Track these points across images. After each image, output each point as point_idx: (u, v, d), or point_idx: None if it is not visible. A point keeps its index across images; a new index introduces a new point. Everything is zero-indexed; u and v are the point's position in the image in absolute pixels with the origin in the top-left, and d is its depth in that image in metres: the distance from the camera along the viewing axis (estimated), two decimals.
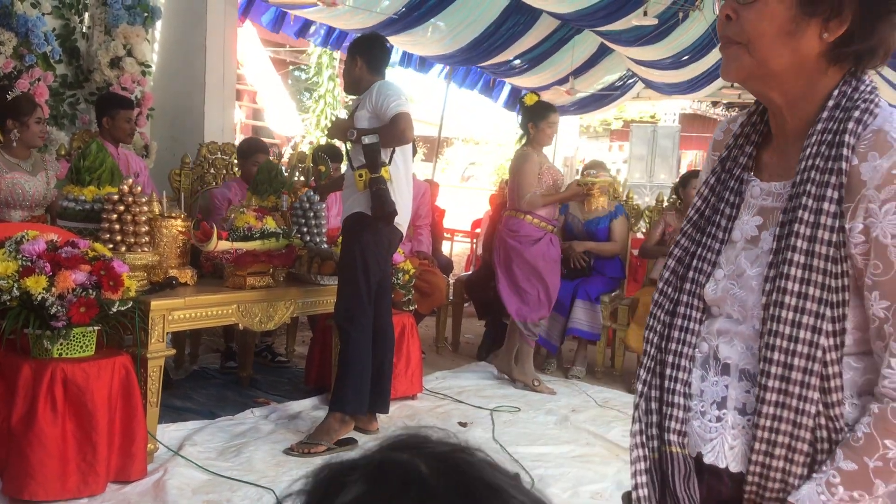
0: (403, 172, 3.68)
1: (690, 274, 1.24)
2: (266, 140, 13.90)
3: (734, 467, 1.16)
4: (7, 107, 3.89)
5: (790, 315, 1.09)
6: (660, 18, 6.73)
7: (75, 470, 2.74)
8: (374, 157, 3.44)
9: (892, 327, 1.05)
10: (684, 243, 1.27)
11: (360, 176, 3.44)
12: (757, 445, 1.12)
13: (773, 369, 1.10)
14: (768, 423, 1.11)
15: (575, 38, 8.33)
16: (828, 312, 1.08)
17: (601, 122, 21.03)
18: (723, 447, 1.17)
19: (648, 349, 1.27)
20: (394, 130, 3.43)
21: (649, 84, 9.37)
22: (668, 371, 1.23)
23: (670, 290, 1.26)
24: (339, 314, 3.61)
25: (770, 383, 1.11)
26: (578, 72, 8.85)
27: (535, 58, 8.57)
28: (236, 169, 5.08)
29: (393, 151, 3.57)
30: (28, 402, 2.71)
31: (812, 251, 1.09)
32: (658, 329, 1.26)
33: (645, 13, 6.38)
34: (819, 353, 1.08)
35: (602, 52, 8.70)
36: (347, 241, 3.60)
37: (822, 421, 1.09)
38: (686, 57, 8.05)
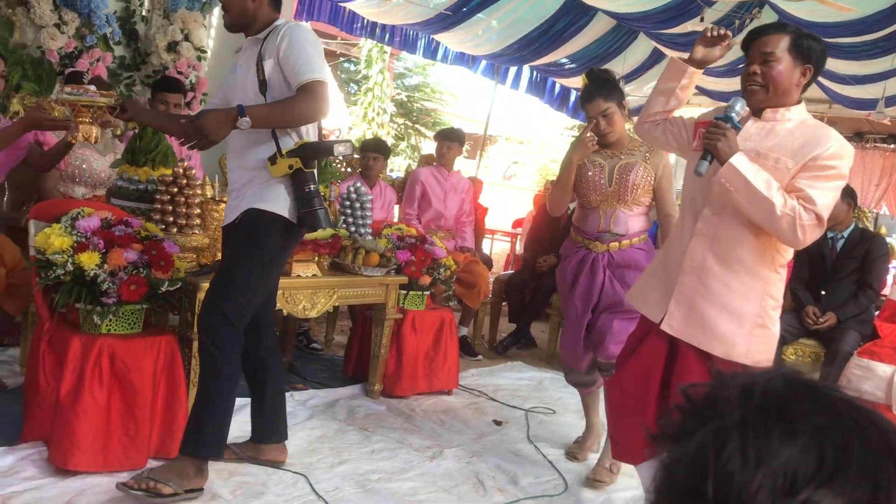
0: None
1: None
2: None
3: None
4: None
5: None
6: (717, 25, 6.63)
7: (118, 444, 2.80)
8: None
9: None
10: None
11: (290, 167, 2.70)
12: None
13: None
14: None
15: (628, 47, 8.26)
16: None
17: None
18: None
19: None
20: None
21: (703, 91, 9.26)
22: None
23: None
24: (206, 329, 2.75)
25: None
26: (629, 76, 8.76)
27: (585, 59, 8.50)
28: None
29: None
30: (76, 376, 2.77)
31: None
32: None
33: (702, 19, 6.30)
34: None
35: (655, 58, 8.60)
36: (241, 242, 2.79)
37: None
38: (742, 65, 7.93)
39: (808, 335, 4.66)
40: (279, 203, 2.71)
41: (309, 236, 3.52)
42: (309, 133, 2.82)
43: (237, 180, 2.82)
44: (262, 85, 2.71)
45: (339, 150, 2.76)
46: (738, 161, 2.26)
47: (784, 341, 4.58)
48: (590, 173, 3.36)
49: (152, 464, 2.89)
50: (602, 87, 3.31)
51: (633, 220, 3.36)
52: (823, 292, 4.68)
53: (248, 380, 3.09)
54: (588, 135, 3.30)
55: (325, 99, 2.67)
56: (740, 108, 2.35)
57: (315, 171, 2.77)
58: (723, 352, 2.41)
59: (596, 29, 7.90)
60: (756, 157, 2.33)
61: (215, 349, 2.71)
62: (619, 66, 8.42)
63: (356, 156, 5.75)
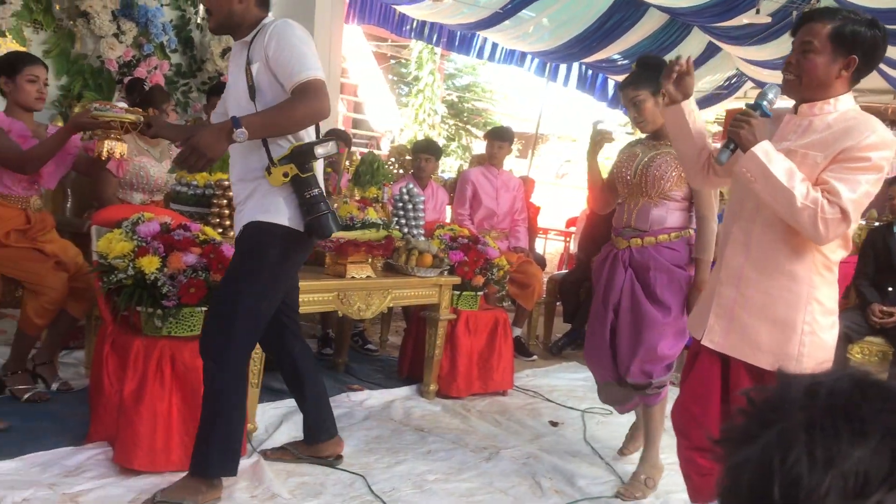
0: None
1: None
2: (365, 133, 14.18)
3: None
4: (147, 96, 4.12)
5: None
6: (773, 17, 6.50)
7: (179, 444, 2.84)
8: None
9: None
10: None
11: (286, 175, 2.54)
12: None
13: None
14: None
15: (682, 42, 8.14)
16: None
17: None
18: None
19: None
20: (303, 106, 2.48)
21: (759, 84, 9.08)
22: None
23: None
24: (208, 349, 2.64)
25: None
26: None
27: (638, 55, 8.42)
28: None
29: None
30: (139, 377, 2.83)
31: None
32: None
33: (757, 11, 6.17)
34: None
35: (710, 52, 8.47)
36: (242, 257, 2.66)
37: None
38: None
39: (875, 333, 4.52)
40: (280, 213, 2.57)
41: (359, 237, 3.54)
42: (310, 135, 2.66)
43: (240, 193, 2.69)
44: (252, 90, 2.54)
45: (320, 151, 2.55)
46: (760, 149, 2.10)
47: (849, 340, 4.46)
48: (623, 164, 3.19)
49: None
50: (637, 74, 3.14)
51: (658, 215, 3.08)
52: (891, 289, 4.53)
53: (287, 386, 3.10)
54: (600, 127, 3.20)
55: (324, 97, 2.47)
56: (773, 95, 2.23)
57: (315, 174, 2.59)
58: (769, 363, 2.22)
59: (648, 25, 7.81)
60: (787, 153, 2.15)
61: (218, 371, 2.60)
62: None
63: (400, 155, 5.77)
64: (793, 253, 2.21)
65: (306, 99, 2.43)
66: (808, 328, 2.22)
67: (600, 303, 3.20)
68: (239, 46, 2.63)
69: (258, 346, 2.96)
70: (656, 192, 3.08)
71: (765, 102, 2.21)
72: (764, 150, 2.10)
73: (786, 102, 2.40)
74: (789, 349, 2.22)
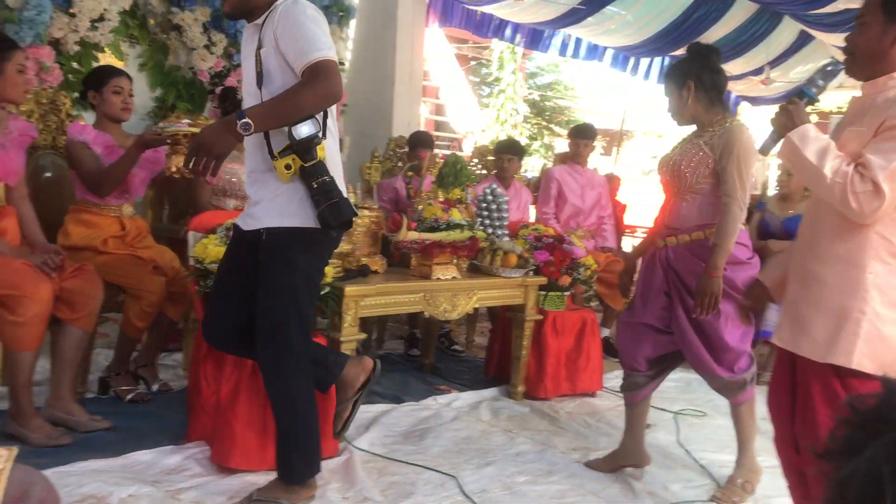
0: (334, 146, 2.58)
1: None
2: (447, 135, 14.24)
3: None
4: (239, 105, 4.24)
5: None
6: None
7: (274, 444, 2.90)
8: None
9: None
10: None
11: (288, 167, 2.37)
12: None
13: None
14: None
15: (772, 32, 7.89)
16: None
17: None
18: None
19: None
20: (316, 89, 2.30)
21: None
22: None
23: None
24: (266, 364, 2.58)
25: None
26: (775, 62, 8.35)
27: (728, 47, 8.19)
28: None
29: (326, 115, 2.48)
30: (234, 379, 2.91)
31: None
32: None
33: None
34: None
35: (802, 41, 8.17)
36: (273, 272, 2.52)
37: None
38: None
39: None
40: (293, 216, 2.45)
41: (444, 238, 3.54)
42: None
43: (250, 188, 2.57)
44: (260, 77, 2.39)
45: (302, 131, 2.29)
46: (795, 133, 2.03)
47: None
48: (662, 162, 3.13)
49: None
50: (667, 70, 3.09)
51: (687, 211, 2.97)
52: None
53: None
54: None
55: (335, 79, 2.28)
56: (823, 81, 2.18)
57: (323, 161, 2.38)
58: (820, 355, 2.06)
59: (738, 16, 7.59)
60: (841, 135, 2.07)
61: (281, 383, 2.56)
62: (763, 52, 8.06)
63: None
64: (847, 237, 2.07)
65: (315, 82, 2.26)
66: (863, 318, 2.03)
67: (638, 299, 3.17)
68: (251, 30, 2.49)
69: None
70: (684, 186, 2.98)
71: (813, 89, 2.17)
72: (799, 134, 2.03)
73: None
74: (839, 338, 2.04)
